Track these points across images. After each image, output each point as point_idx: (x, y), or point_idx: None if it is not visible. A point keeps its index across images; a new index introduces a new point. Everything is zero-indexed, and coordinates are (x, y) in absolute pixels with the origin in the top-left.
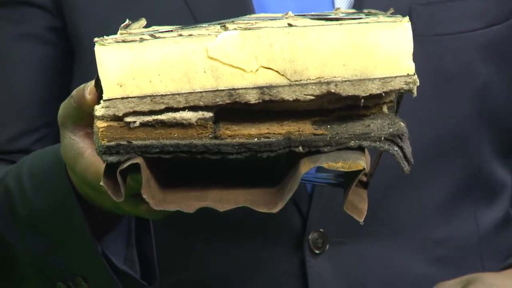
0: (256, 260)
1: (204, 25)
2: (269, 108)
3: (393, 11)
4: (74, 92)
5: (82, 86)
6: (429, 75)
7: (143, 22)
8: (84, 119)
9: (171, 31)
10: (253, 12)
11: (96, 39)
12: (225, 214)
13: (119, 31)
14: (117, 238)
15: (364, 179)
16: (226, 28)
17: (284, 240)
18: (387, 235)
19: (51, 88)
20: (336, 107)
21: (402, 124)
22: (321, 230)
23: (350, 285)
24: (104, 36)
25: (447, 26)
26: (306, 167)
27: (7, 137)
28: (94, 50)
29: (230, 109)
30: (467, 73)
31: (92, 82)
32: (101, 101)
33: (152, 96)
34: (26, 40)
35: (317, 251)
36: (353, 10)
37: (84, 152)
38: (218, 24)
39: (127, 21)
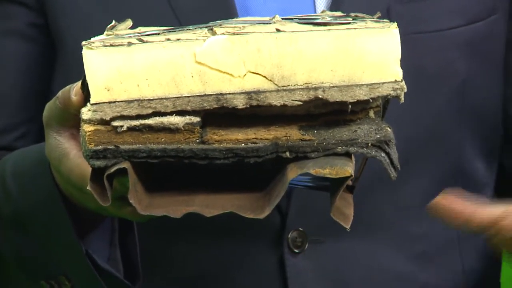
0: (236, 258)
1: (191, 28)
2: (256, 112)
3: (380, 15)
4: (59, 93)
5: (68, 87)
6: (408, 74)
7: (129, 23)
8: (69, 120)
9: (158, 34)
10: (236, 12)
11: (83, 42)
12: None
13: (105, 32)
14: (100, 237)
15: (350, 183)
16: (214, 32)
17: (264, 238)
18: (367, 233)
19: (33, 84)
20: (323, 112)
21: (389, 129)
22: (300, 229)
23: (330, 283)
24: (91, 38)
25: (426, 24)
26: (293, 173)
27: None
28: (74, 46)
29: (217, 114)
30: (446, 71)
31: (79, 84)
32: (88, 105)
33: (139, 101)
34: (8, 36)
35: (296, 250)
36: (340, 13)
37: (69, 153)
38: (206, 27)
39: (113, 22)
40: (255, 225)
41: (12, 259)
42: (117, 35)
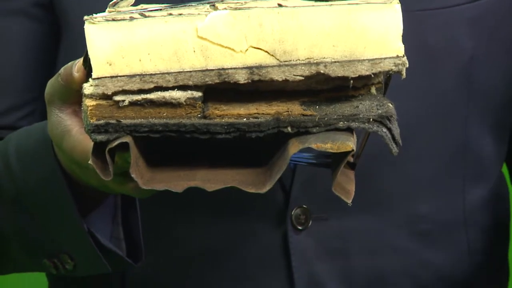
0: (240, 236)
1: (193, 4)
2: (257, 88)
3: None
4: (61, 70)
5: (69, 64)
6: (413, 51)
7: (131, 0)
8: (71, 97)
9: (160, 9)
10: None
11: (85, 17)
12: (208, 193)
13: (108, 9)
14: (102, 216)
15: (351, 160)
16: (216, 8)
17: (267, 216)
18: (371, 210)
19: (37, 64)
20: (324, 88)
21: (391, 105)
22: (304, 206)
23: (333, 260)
24: (93, 14)
25: (430, 1)
26: (294, 148)
27: None
28: (79, 26)
29: (218, 89)
30: (452, 48)
31: (80, 60)
32: (90, 80)
33: (141, 75)
34: (12, 16)
35: (299, 227)
36: None
37: (71, 129)
38: (208, 3)
39: None
40: (258, 202)
41: (14, 238)
42: (119, 11)
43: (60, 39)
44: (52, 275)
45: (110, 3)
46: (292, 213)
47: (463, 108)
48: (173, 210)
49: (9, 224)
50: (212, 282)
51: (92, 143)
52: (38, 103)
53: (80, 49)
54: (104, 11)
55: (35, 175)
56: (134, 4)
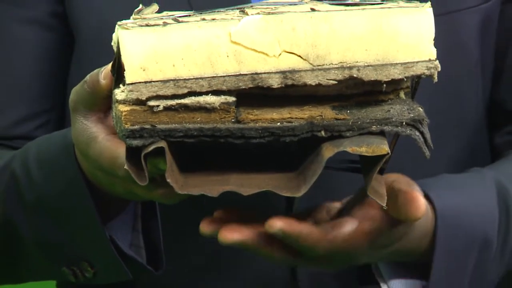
0: None
1: (222, 10)
2: (287, 92)
3: None
4: (87, 77)
5: (95, 71)
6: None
7: (156, 7)
8: (97, 104)
9: (189, 15)
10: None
11: (119, 22)
12: (214, 201)
13: (133, 16)
14: (122, 223)
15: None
16: (245, 13)
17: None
18: None
19: (52, 73)
20: (354, 92)
21: (421, 109)
22: None
23: (338, 272)
24: (123, 20)
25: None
26: (329, 152)
27: (9, 122)
28: (89, 35)
29: (249, 94)
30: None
31: (108, 67)
32: (121, 86)
33: (175, 80)
34: (29, 24)
35: None
36: None
37: (97, 136)
38: (237, 9)
39: (140, 6)
40: (259, 208)
41: (34, 245)
42: (145, 18)
43: (73, 50)
44: (63, 284)
45: (135, 10)
46: None
47: (476, 109)
48: (180, 221)
49: (28, 232)
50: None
51: (119, 150)
52: (52, 114)
53: (90, 60)
54: (113, 21)
55: (56, 183)
56: (159, 12)
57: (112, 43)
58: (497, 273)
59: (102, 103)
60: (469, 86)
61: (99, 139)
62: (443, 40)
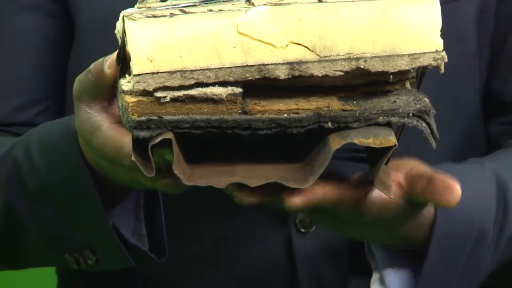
0: (243, 238)
1: (227, 0)
2: (294, 83)
3: None
4: (92, 66)
5: (100, 60)
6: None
7: None
8: (101, 93)
9: (195, 5)
10: None
11: (124, 13)
12: (214, 191)
13: (137, 5)
14: (125, 211)
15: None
16: (252, 4)
17: (271, 218)
18: None
19: (52, 60)
20: (360, 82)
21: (427, 100)
22: None
23: (337, 263)
24: (128, 10)
25: None
26: (336, 143)
27: (10, 109)
28: (88, 24)
29: (256, 85)
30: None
31: (113, 56)
32: (127, 76)
33: (182, 71)
34: (29, 11)
35: (303, 230)
36: None
37: (101, 125)
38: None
39: None
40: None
41: (36, 233)
42: (149, 7)
43: (74, 37)
44: (63, 271)
45: None
46: (296, 215)
47: (473, 99)
48: (182, 210)
49: (30, 219)
50: (215, 285)
51: (125, 140)
52: (53, 100)
53: (90, 48)
54: (112, 10)
55: (59, 170)
56: (163, 0)
57: (116, 31)
58: (489, 265)
59: (106, 92)
60: (466, 75)
61: (104, 128)
62: (442, 30)
